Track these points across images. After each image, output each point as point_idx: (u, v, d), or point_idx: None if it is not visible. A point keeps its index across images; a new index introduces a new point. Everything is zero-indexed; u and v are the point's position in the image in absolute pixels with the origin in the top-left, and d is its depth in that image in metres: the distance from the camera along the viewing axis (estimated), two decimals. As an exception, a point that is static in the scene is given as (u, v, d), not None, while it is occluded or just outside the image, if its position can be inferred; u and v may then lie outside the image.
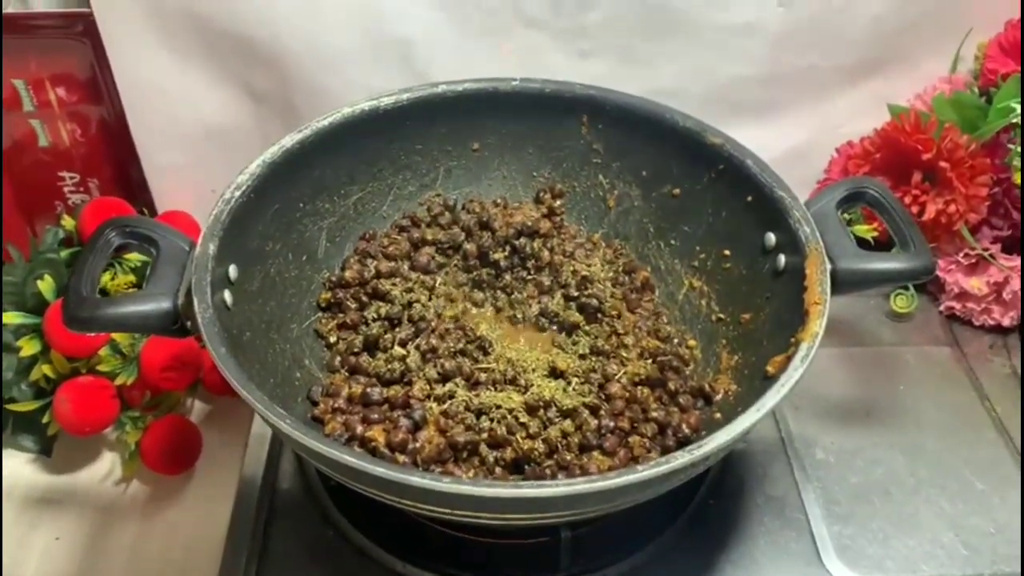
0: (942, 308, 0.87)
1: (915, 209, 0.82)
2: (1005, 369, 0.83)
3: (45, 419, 0.79)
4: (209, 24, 0.82)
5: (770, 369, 0.61)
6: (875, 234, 0.84)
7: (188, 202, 0.91)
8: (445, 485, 0.47)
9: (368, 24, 0.82)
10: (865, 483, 0.72)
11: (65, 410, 0.77)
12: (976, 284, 0.84)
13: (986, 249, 0.84)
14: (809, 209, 0.65)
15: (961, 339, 0.85)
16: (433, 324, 0.69)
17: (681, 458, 0.49)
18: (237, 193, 0.64)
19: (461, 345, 0.68)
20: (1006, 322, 0.85)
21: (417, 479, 0.48)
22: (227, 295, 0.61)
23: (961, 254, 0.85)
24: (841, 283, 0.62)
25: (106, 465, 0.83)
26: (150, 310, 0.57)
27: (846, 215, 0.68)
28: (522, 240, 0.73)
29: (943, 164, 0.81)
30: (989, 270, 0.84)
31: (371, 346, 0.68)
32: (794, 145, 0.92)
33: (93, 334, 0.76)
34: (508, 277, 0.73)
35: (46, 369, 0.79)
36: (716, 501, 0.70)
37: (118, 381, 0.79)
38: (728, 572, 0.66)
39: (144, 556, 0.77)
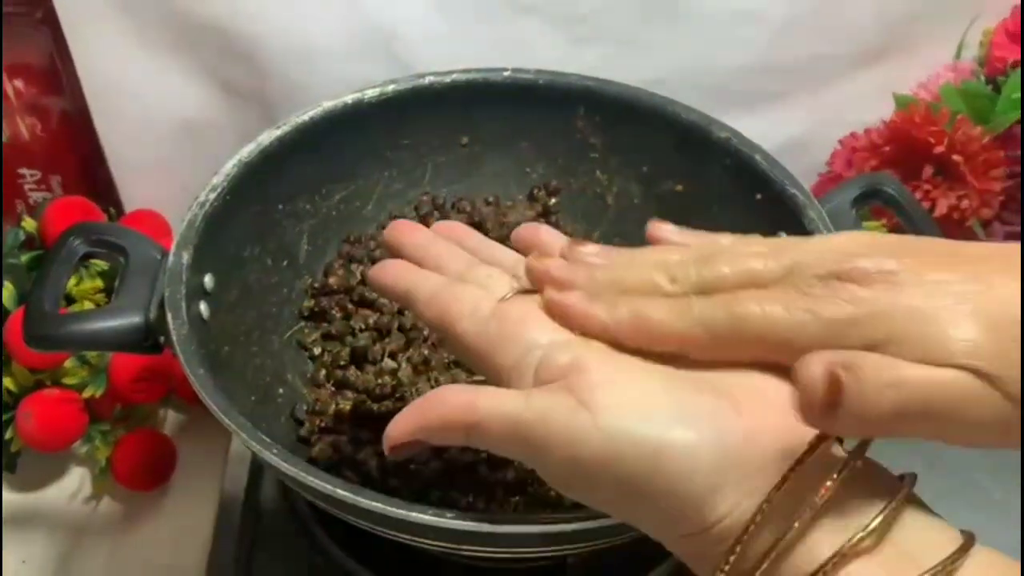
0: (952, 306, 0.84)
1: (926, 204, 0.79)
2: (1019, 370, 0.80)
3: (8, 435, 0.74)
4: (179, 11, 0.77)
5: None
6: (885, 230, 0.81)
7: (158, 201, 0.86)
8: (450, 522, 0.44)
9: (350, 12, 0.78)
10: (881, 495, 0.69)
11: (29, 425, 0.73)
12: (988, 282, 0.81)
13: (998, 246, 0.81)
14: (823, 207, 0.62)
15: (972, 339, 0.82)
16: (425, 333, 0.65)
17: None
18: (212, 196, 0.59)
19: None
20: (1018, 321, 0.82)
21: (418, 515, 0.44)
22: (203, 307, 0.57)
23: (972, 250, 0.82)
24: (860, 288, 0.58)
25: (75, 482, 0.78)
26: (119, 326, 0.53)
27: (858, 212, 0.65)
28: (516, 241, 0.69)
29: (956, 157, 0.78)
30: (1002, 267, 0.81)
31: (359, 358, 0.64)
32: (794, 135, 0.89)
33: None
34: (503, 281, 0.69)
35: (8, 382, 0.74)
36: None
37: (86, 394, 0.74)
38: (741, 592, 0.62)
39: (117, 577, 0.73)
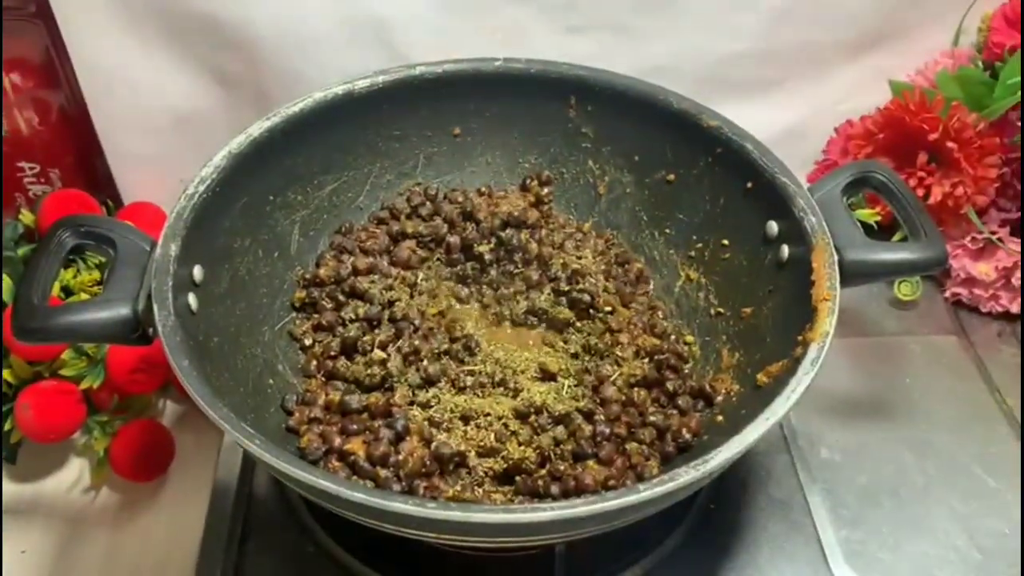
0: (947, 295, 0.84)
1: (920, 192, 0.79)
2: (1015, 358, 0.79)
3: (7, 426, 0.75)
4: (173, 3, 0.77)
5: (763, 379, 0.58)
6: (878, 218, 0.80)
7: (155, 193, 0.86)
8: (431, 511, 0.44)
9: (342, 2, 0.77)
10: (873, 483, 0.69)
11: (27, 417, 0.73)
12: (984, 269, 0.80)
13: (994, 233, 0.81)
14: (813, 195, 0.62)
15: (968, 327, 0.82)
16: (416, 323, 0.65)
17: (686, 475, 0.46)
18: (201, 188, 0.60)
19: (445, 346, 0.64)
20: (1015, 308, 0.81)
21: (399, 505, 0.44)
22: (191, 299, 0.57)
23: (968, 238, 0.81)
24: (849, 275, 0.58)
25: (74, 473, 0.79)
26: (107, 318, 0.53)
27: (850, 199, 0.64)
28: (508, 231, 0.69)
29: (950, 144, 0.77)
30: (997, 254, 0.81)
31: (349, 349, 0.64)
32: (790, 124, 0.88)
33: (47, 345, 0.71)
34: (494, 271, 0.69)
35: (6, 374, 0.74)
36: (717, 506, 0.66)
37: (84, 385, 0.74)
38: (732, 581, 0.63)
39: (116, 568, 0.73)
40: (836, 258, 0.58)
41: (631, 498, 0.45)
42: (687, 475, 0.46)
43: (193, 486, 0.77)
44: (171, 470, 0.79)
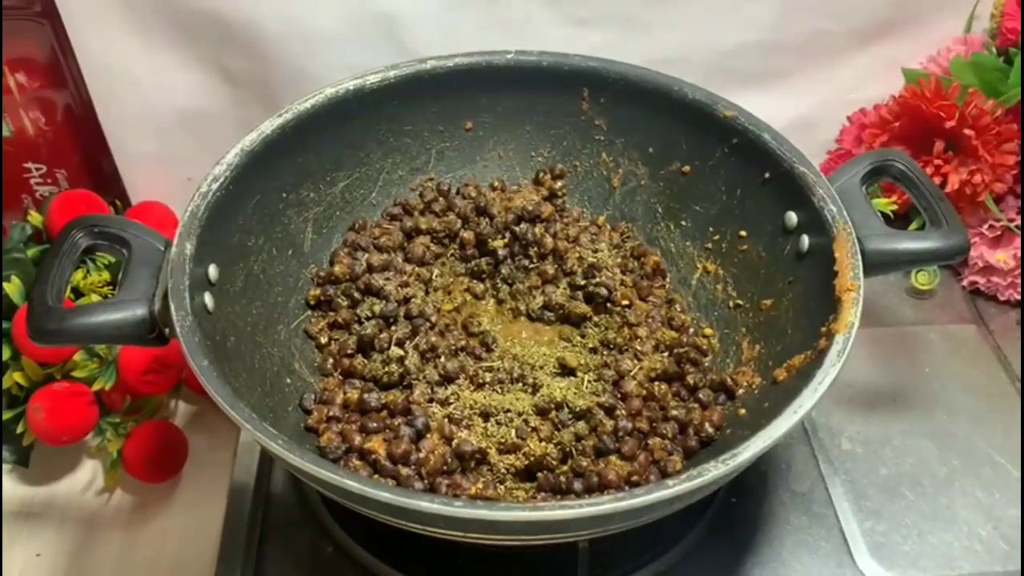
0: (965, 283, 0.83)
1: (937, 180, 0.78)
2: (1034, 345, 0.79)
3: (20, 429, 0.74)
4: (178, 1, 0.76)
5: (781, 374, 0.57)
6: (895, 207, 0.80)
7: (163, 192, 0.85)
8: (458, 510, 0.43)
9: (350, -3, 0.77)
10: (895, 475, 0.68)
11: (40, 419, 0.73)
12: (1002, 257, 0.80)
13: (1012, 220, 0.80)
14: (832, 185, 0.61)
15: (986, 315, 0.81)
16: (432, 320, 0.64)
17: (715, 470, 0.45)
18: (214, 186, 0.59)
19: (462, 342, 0.64)
20: (1034, 296, 0.81)
21: (427, 504, 0.43)
22: (207, 298, 0.56)
23: (985, 226, 0.81)
24: (871, 265, 0.58)
25: (87, 474, 0.79)
26: (123, 319, 0.52)
27: (868, 188, 0.64)
28: (522, 226, 0.69)
29: (967, 132, 0.76)
30: (1015, 242, 0.80)
31: (366, 347, 0.63)
32: (802, 113, 0.87)
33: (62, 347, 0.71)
34: (509, 266, 0.69)
35: (17, 376, 0.74)
36: (738, 499, 0.66)
37: (96, 386, 0.74)
38: (755, 575, 0.62)
39: (131, 569, 0.73)
40: (858, 248, 0.57)
41: (661, 494, 0.44)
42: (716, 470, 0.45)
43: (207, 486, 0.76)
44: (184, 471, 0.78)
